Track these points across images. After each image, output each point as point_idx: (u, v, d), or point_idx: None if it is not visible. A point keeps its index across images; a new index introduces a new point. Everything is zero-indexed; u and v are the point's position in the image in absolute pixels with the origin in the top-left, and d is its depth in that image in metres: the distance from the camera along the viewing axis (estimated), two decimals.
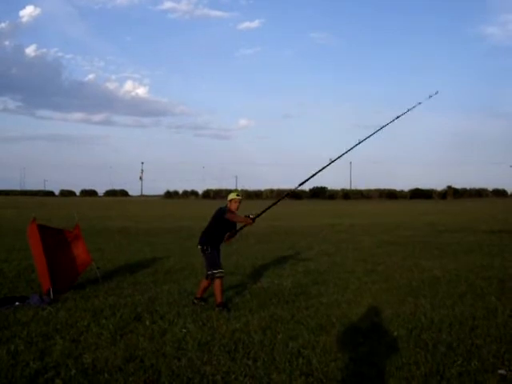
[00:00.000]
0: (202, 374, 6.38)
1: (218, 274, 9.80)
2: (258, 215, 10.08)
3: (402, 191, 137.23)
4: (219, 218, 9.97)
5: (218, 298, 9.69)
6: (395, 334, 8.01)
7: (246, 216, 9.89)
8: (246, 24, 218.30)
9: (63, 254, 11.48)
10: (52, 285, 10.40)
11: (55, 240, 11.40)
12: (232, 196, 10.11)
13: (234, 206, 9.99)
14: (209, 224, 10.15)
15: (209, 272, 9.91)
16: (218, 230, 10.03)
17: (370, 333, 8.12)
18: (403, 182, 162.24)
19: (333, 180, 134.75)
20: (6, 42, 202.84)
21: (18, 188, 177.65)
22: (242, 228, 10.39)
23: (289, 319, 8.87)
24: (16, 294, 10.53)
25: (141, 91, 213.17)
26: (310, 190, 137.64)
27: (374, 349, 7.36)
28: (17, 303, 9.75)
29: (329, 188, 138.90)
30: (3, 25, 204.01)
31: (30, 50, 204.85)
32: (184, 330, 8.16)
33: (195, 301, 10.02)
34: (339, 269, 14.39)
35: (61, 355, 6.97)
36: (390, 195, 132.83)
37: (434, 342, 7.57)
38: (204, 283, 10.14)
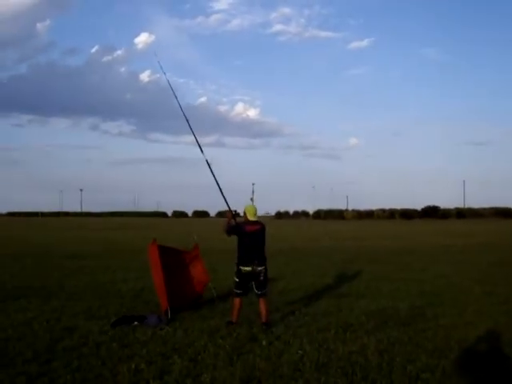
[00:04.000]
0: None
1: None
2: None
3: None
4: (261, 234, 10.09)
5: (266, 317, 9.89)
6: None
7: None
8: (356, 43, 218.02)
9: (181, 275, 11.77)
10: (169, 304, 10.64)
11: (174, 260, 11.67)
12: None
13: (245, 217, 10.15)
14: (262, 242, 10.09)
15: (265, 290, 10.11)
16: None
17: (490, 357, 7.88)
18: None
19: (445, 199, 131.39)
20: (122, 69, 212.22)
21: (132, 209, 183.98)
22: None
23: (406, 342, 8.71)
24: (134, 314, 10.74)
25: (251, 113, 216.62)
26: (422, 210, 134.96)
27: (496, 374, 7.12)
28: (135, 323, 9.98)
29: (441, 207, 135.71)
30: (119, 52, 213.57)
31: (144, 76, 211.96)
32: (300, 352, 8.12)
33: (264, 326, 9.73)
34: (456, 290, 14.03)
35: (180, 374, 7.07)
36: (506, 213, 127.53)
37: None
38: (264, 304, 10.04)
